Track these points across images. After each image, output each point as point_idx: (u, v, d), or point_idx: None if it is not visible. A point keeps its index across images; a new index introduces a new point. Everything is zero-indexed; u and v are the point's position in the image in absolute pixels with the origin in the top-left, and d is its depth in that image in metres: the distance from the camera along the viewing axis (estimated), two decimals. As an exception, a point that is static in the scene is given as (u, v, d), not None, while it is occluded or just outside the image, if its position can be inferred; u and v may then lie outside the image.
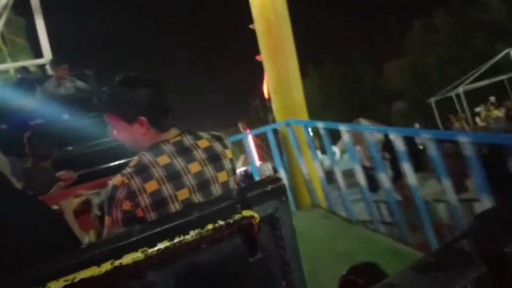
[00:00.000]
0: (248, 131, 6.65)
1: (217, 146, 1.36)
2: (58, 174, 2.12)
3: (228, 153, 1.38)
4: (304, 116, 5.07)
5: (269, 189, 1.12)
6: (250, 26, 5.44)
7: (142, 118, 1.29)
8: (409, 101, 24.29)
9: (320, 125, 4.29)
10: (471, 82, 15.14)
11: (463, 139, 2.69)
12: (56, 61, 4.63)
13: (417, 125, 14.30)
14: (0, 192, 1.04)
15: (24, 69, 5.53)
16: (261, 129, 5.37)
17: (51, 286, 0.81)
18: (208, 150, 1.34)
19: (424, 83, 22.71)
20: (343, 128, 3.87)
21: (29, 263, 0.88)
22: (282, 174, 4.31)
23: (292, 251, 1.14)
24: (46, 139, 2.36)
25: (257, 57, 5.67)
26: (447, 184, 2.90)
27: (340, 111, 27.10)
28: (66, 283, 0.81)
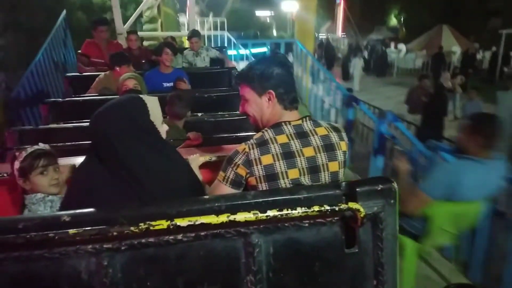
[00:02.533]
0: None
1: (334, 137, 1.41)
2: (188, 134, 2.42)
3: (343, 145, 1.42)
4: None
5: (379, 188, 1.12)
6: None
7: (271, 91, 1.42)
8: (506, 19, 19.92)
9: None
10: None
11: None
12: (189, 35, 5.19)
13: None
14: (152, 140, 1.27)
15: (172, 39, 6.25)
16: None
17: (177, 222, 0.97)
18: (325, 138, 1.39)
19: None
20: None
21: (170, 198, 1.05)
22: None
23: (390, 254, 1.13)
24: (183, 102, 2.70)
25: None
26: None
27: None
28: (190, 223, 0.96)
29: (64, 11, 6.14)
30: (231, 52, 8.61)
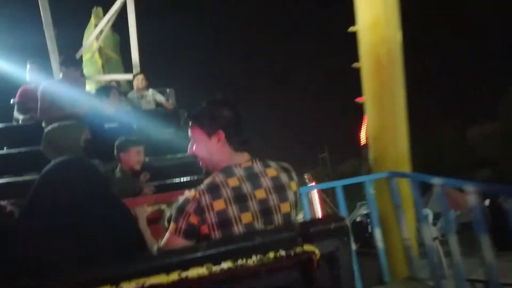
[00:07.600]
0: (313, 183, 6.34)
1: (284, 177, 1.41)
2: (145, 189, 2.29)
3: (293, 185, 1.42)
4: (407, 169, 4.19)
5: (332, 227, 1.12)
6: (354, 64, 4.76)
7: (221, 131, 1.40)
8: (496, 170, 22.31)
9: (438, 181, 3.07)
10: None
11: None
12: (136, 74, 5.18)
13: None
14: (102, 193, 1.21)
15: (116, 82, 6.12)
16: (357, 179, 4.02)
17: (124, 286, 0.88)
18: (275, 179, 1.39)
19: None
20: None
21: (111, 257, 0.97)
22: (377, 235, 3.61)
23: (349, 294, 1.12)
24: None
25: (358, 99, 4.81)
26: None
27: (416, 170, 26.99)
28: (137, 286, 0.88)
29: None
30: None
